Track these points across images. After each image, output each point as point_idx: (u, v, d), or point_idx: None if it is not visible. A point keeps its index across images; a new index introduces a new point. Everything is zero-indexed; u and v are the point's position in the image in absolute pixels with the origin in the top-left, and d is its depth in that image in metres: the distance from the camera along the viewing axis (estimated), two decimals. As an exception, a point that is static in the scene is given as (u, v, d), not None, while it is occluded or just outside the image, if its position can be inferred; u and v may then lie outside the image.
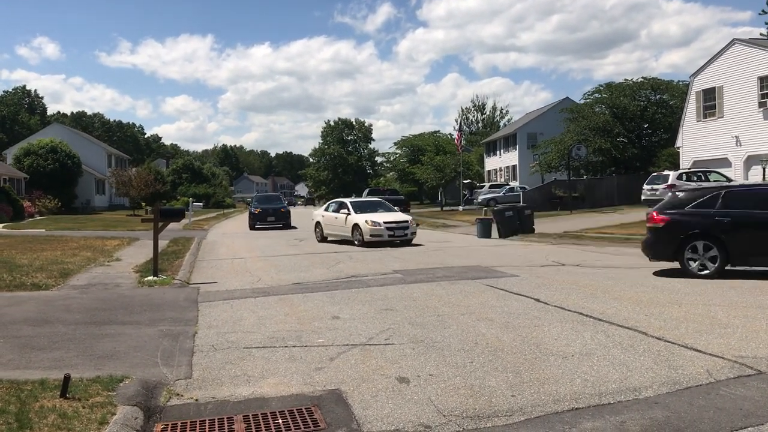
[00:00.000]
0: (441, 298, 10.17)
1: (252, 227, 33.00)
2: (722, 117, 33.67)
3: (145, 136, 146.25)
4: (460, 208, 48.52)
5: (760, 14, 49.54)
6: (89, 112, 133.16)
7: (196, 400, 5.46)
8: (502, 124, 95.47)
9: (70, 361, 6.54)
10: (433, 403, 5.16)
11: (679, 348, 6.67)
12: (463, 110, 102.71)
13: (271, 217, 33.35)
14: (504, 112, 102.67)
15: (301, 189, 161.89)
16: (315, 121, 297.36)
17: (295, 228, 32.18)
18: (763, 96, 30.96)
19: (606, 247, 19.01)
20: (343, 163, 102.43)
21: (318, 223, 24.36)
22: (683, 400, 5.12)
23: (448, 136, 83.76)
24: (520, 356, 6.51)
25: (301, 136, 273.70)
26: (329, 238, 23.53)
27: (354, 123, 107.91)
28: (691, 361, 6.19)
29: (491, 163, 73.45)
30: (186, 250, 19.64)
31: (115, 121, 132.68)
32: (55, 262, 15.26)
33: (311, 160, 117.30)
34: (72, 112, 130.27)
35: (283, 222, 33.39)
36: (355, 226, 21.66)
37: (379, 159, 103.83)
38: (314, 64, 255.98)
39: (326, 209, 24.89)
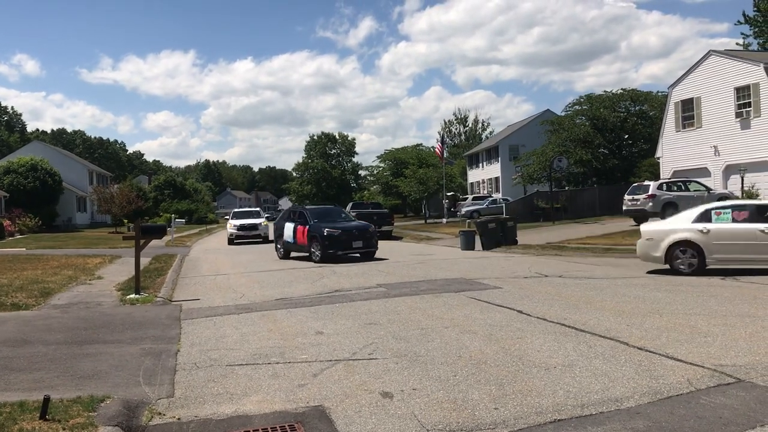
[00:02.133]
0: (425, 312, 10.18)
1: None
2: (701, 127, 34.12)
3: (127, 153, 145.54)
4: (444, 220, 48.64)
5: (735, 25, 50.34)
6: (70, 129, 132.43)
7: (179, 419, 5.42)
8: (484, 136, 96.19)
9: (51, 381, 6.47)
10: (416, 418, 5.16)
11: (660, 358, 6.73)
12: (445, 123, 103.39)
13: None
14: (486, 124, 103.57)
15: (285, 203, 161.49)
16: (298, 135, 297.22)
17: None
18: (739, 106, 31.43)
19: (588, 257, 19.14)
20: (327, 177, 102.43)
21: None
22: (664, 409, 5.16)
23: (431, 149, 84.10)
24: (503, 368, 6.53)
25: (284, 151, 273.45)
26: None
27: (337, 137, 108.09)
28: (672, 370, 6.24)
29: (474, 175, 73.83)
30: (168, 267, 19.52)
31: (96, 137, 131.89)
32: (35, 282, 15.09)
33: (295, 174, 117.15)
34: (52, 130, 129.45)
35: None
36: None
37: (362, 172, 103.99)
38: (297, 78, 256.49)
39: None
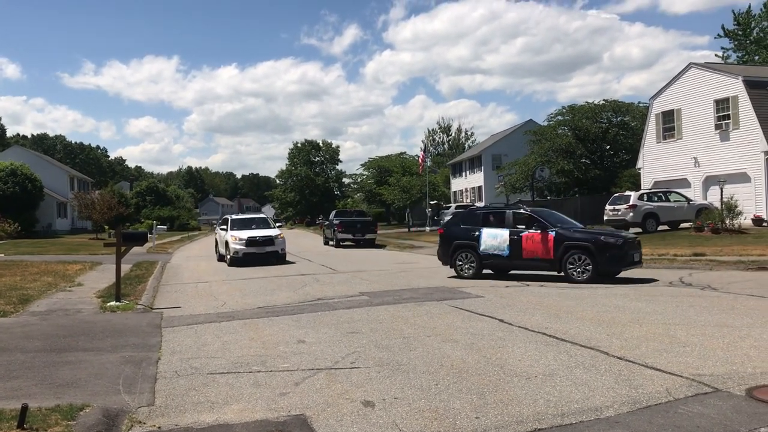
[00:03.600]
0: (407, 320, 10.20)
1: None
2: (681, 138, 34.56)
3: (109, 159, 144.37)
4: (427, 228, 48.72)
5: (715, 38, 51.07)
6: (51, 134, 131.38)
7: (159, 427, 5.39)
8: (467, 145, 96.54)
9: (29, 390, 6.41)
10: (398, 427, 5.17)
11: (639, 367, 6.79)
12: (429, 132, 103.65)
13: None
14: (469, 133, 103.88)
15: (268, 211, 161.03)
16: (282, 142, 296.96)
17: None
18: (719, 118, 31.89)
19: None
20: (310, 185, 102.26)
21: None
22: (643, 419, 5.21)
23: (415, 157, 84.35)
24: (484, 378, 6.56)
25: (268, 158, 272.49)
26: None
27: (321, 144, 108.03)
28: (651, 380, 6.31)
29: (457, 184, 74.11)
30: (149, 274, 19.39)
31: (77, 143, 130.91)
32: (14, 288, 14.93)
33: (278, 181, 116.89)
34: (33, 135, 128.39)
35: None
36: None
37: (346, 180, 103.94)
38: (281, 85, 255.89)
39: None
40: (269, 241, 23.47)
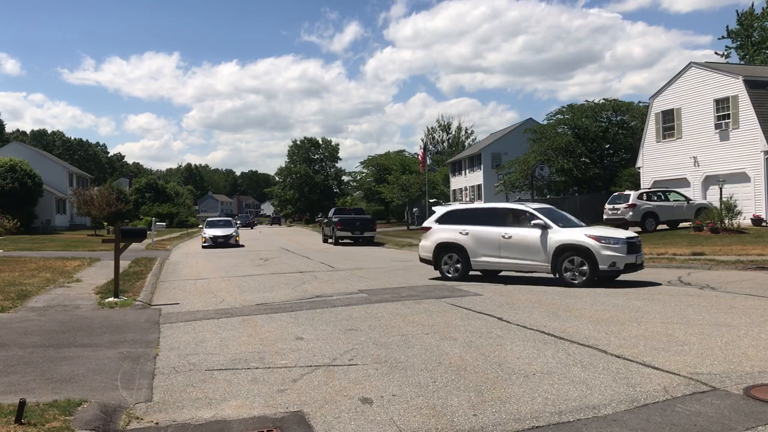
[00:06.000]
0: (405, 318, 10.20)
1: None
2: (681, 138, 34.55)
3: (108, 155, 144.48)
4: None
5: (719, 39, 51.08)
6: (50, 130, 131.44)
7: (157, 423, 5.39)
8: (467, 144, 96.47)
9: (27, 385, 6.40)
10: (395, 424, 5.17)
11: (637, 366, 6.80)
12: (428, 130, 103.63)
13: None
14: (469, 132, 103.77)
15: (267, 208, 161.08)
16: (282, 139, 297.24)
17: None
18: (718, 118, 31.89)
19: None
20: (310, 182, 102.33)
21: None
22: (640, 417, 5.21)
23: (414, 155, 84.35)
24: (482, 375, 6.57)
25: (267, 155, 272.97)
26: None
27: (320, 142, 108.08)
28: (649, 378, 6.31)
29: (456, 182, 74.08)
30: (148, 270, 19.38)
31: (76, 139, 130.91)
32: (12, 284, 14.92)
33: (277, 179, 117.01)
34: (32, 130, 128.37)
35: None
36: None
37: (345, 178, 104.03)
38: (281, 82, 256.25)
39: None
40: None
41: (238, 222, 53.25)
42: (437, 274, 16.07)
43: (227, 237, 35.49)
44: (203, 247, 34.61)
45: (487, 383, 6.27)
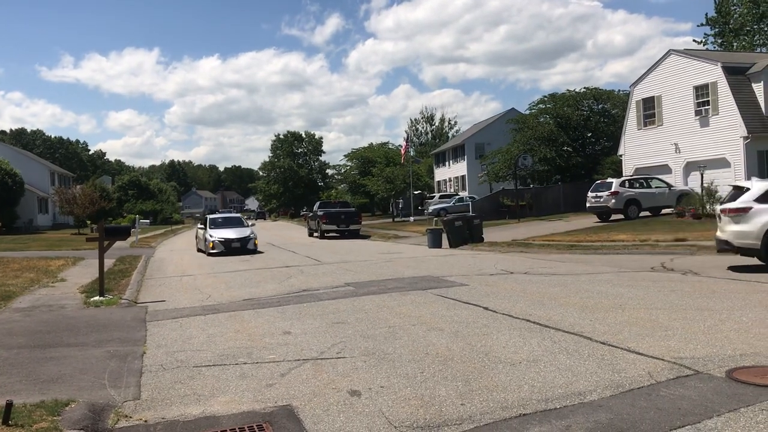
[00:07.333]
0: (392, 310, 10.24)
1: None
2: (662, 125, 34.81)
3: (89, 153, 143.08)
4: (411, 218, 48.81)
5: (698, 26, 51.36)
6: (30, 129, 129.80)
7: (145, 421, 5.39)
8: (450, 134, 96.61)
9: (13, 386, 6.37)
10: (384, 415, 5.21)
11: (622, 351, 6.88)
12: (412, 121, 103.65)
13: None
14: (453, 123, 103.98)
15: (252, 203, 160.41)
16: (265, 134, 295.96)
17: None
18: (698, 104, 32.16)
19: (552, 254, 19.40)
20: (294, 176, 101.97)
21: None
22: (626, 402, 5.28)
23: (398, 147, 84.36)
24: (469, 365, 6.62)
25: (251, 150, 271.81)
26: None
27: (304, 136, 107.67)
28: (634, 364, 6.39)
29: (441, 173, 74.23)
30: (133, 268, 19.28)
31: (56, 137, 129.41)
32: (-5, 285, 14.79)
33: (261, 173, 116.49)
34: (11, 129, 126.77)
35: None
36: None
37: (330, 171, 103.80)
38: (263, 76, 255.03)
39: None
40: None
41: (253, 221, 40.73)
42: (422, 266, 16.08)
43: (244, 241, 25.55)
44: (209, 254, 24.86)
45: (474, 372, 6.32)
